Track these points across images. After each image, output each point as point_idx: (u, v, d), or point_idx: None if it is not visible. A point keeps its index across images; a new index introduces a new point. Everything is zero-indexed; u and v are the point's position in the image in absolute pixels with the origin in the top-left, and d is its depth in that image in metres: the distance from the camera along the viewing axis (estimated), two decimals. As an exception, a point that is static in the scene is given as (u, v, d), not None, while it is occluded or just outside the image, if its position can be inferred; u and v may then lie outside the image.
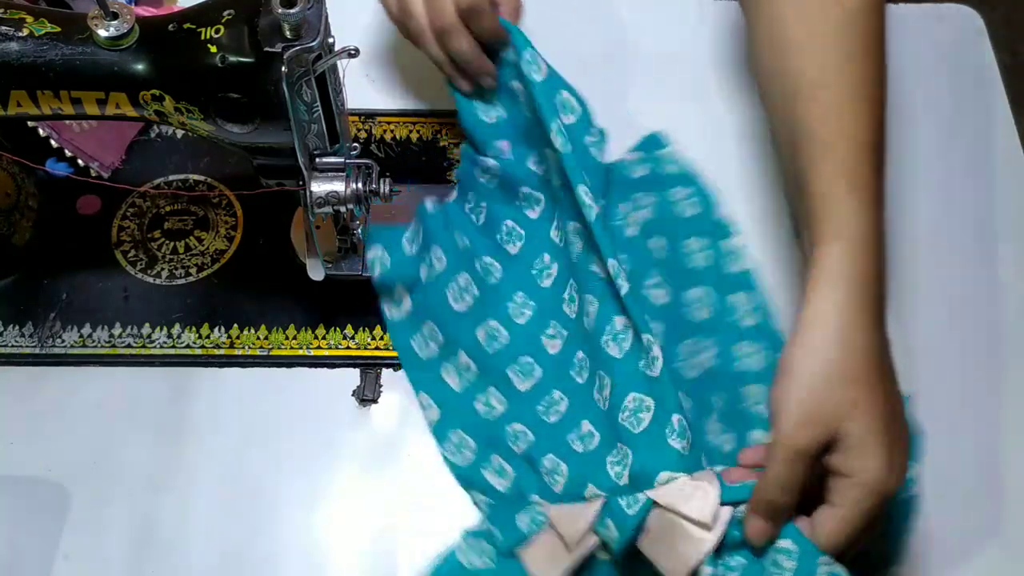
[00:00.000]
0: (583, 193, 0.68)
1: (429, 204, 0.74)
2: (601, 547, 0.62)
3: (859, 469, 0.56)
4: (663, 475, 0.60)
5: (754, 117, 0.83)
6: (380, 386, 0.72)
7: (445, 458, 0.69)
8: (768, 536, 0.58)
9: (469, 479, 0.68)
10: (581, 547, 0.61)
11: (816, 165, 0.62)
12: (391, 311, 0.73)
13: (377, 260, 0.71)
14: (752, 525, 0.58)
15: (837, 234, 0.60)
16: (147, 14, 0.67)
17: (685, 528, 0.58)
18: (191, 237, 0.77)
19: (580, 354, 0.69)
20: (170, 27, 0.60)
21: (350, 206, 0.65)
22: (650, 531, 0.59)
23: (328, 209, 0.65)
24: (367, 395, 0.72)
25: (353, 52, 0.59)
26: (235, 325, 0.74)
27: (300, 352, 0.73)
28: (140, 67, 0.60)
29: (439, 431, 0.69)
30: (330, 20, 0.59)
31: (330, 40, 0.59)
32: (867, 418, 0.56)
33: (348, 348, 0.73)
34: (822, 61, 0.64)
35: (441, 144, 0.82)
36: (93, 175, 0.78)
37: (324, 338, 0.74)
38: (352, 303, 0.74)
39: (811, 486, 0.58)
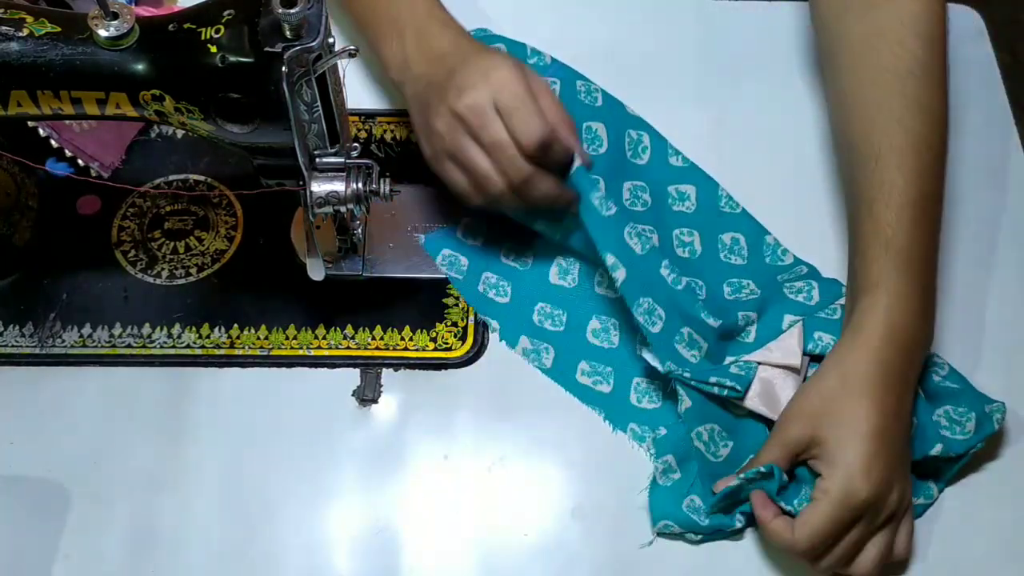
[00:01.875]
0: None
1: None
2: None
3: (827, 474, 0.63)
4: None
5: (754, 117, 0.83)
6: (380, 386, 0.72)
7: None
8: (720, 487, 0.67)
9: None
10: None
11: (858, 225, 0.69)
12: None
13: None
14: (722, 481, 0.67)
15: (866, 289, 0.66)
16: (147, 14, 0.67)
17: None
18: (191, 237, 0.77)
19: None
20: (170, 27, 0.60)
21: (350, 206, 0.65)
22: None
23: (328, 209, 0.65)
24: (367, 395, 0.72)
25: (353, 52, 0.59)
26: (235, 325, 0.74)
27: (300, 352, 0.73)
28: (140, 67, 0.60)
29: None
30: (330, 20, 0.59)
31: (330, 40, 0.59)
32: (849, 431, 0.63)
33: (348, 348, 0.73)
34: (871, 126, 0.69)
35: (441, 144, 0.82)
36: (93, 175, 0.78)
37: (324, 338, 0.74)
38: (352, 303, 0.74)
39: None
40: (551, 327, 0.74)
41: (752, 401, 0.69)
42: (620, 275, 0.69)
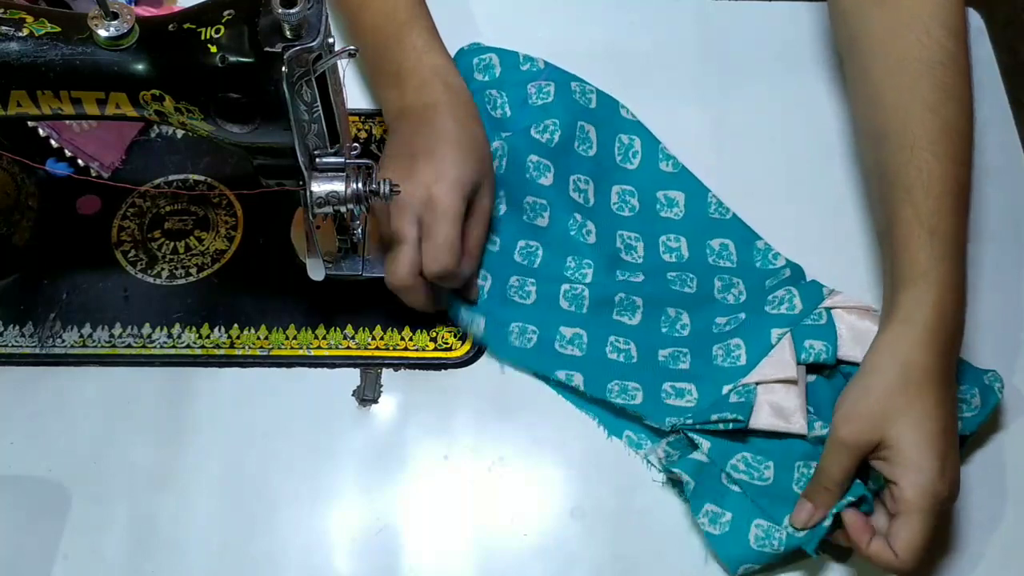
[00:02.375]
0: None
1: None
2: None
3: (907, 483, 0.61)
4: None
5: (754, 117, 0.83)
6: (380, 386, 0.72)
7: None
8: (811, 519, 0.64)
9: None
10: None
11: (897, 213, 0.67)
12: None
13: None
14: (799, 509, 0.65)
15: (912, 279, 0.65)
16: (147, 14, 0.67)
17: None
18: (191, 237, 0.77)
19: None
20: (170, 27, 0.60)
21: (350, 206, 0.65)
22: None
23: (328, 209, 0.65)
24: (367, 395, 0.72)
25: (353, 52, 0.59)
26: (235, 325, 0.74)
27: (300, 352, 0.73)
28: (140, 67, 0.60)
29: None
30: (330, 20, 0.59)
31: (330, 40, 0.59)
32: (919, 432, 0.62)
33: (348, 348, 0.73)
34: (904, 114, 0.69)
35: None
36: (93, 175, 0.78)
37: (324, 338, 0.74)
38: (352, 303, 0.74)
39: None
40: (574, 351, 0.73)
41: (761, 422, 0.68)
42: (578, 381, 0.70)
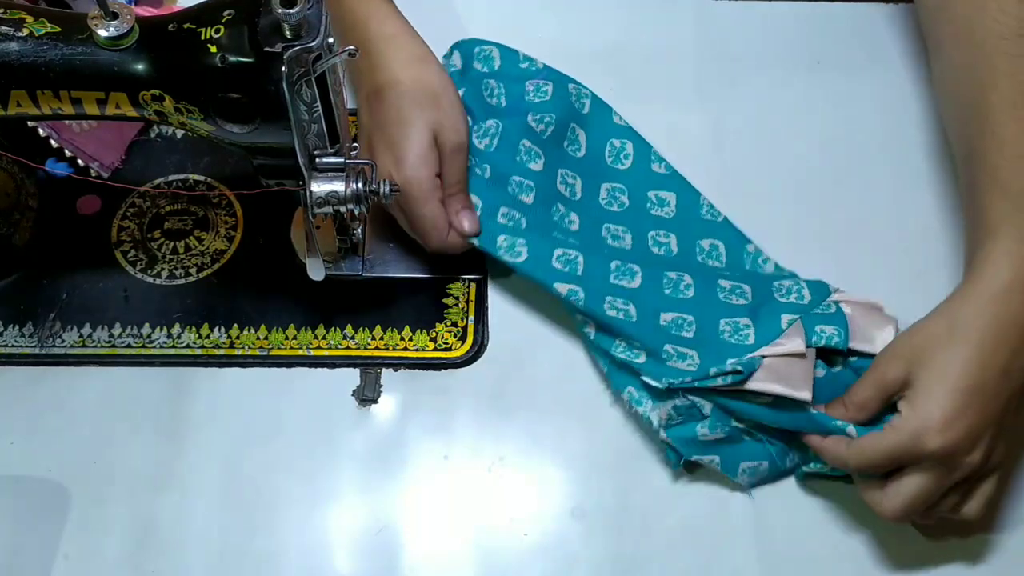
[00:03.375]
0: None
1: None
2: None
3: (905, 416, 0.61)
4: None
5: (754, 117, 0.83)
6: (380, 386, 0.72)
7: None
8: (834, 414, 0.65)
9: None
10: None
11: (974, 176, 0.67)
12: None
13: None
14: (829, 409, 0.66)
15: (989, 235, 0.64)
16: (147, 14, 0.67)
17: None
18: (191, 237, 0.77)
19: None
20: (170, 27, 0.60)
21: (350, 206, 0.65)
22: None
23: (328, 209, 0.65)
24: (367, 395, 0.72)
25: (353, 52, 0.59)
26: (235, 325, 0.74)
27: (300, 352, 0.73)
28: (140, 67, 0.60)
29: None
30: (330, 20, 0.59)
31: (330, 40, 0.59)
32: (940, 381, 0.61)
33: (348, 348, 0.73)
34: (982, 82, 0.68)
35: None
36: (93, 175, 0.78)
37: (324, 338, 0.74)
38: (352, 303, 0.75)
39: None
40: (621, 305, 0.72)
41: (759, 384, 0.66)
42: (581, 295, 0.70)
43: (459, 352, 0.73)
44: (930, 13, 0.76)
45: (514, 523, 0.68)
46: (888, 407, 0.64)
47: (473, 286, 0.76)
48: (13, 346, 0.73)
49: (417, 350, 0.73)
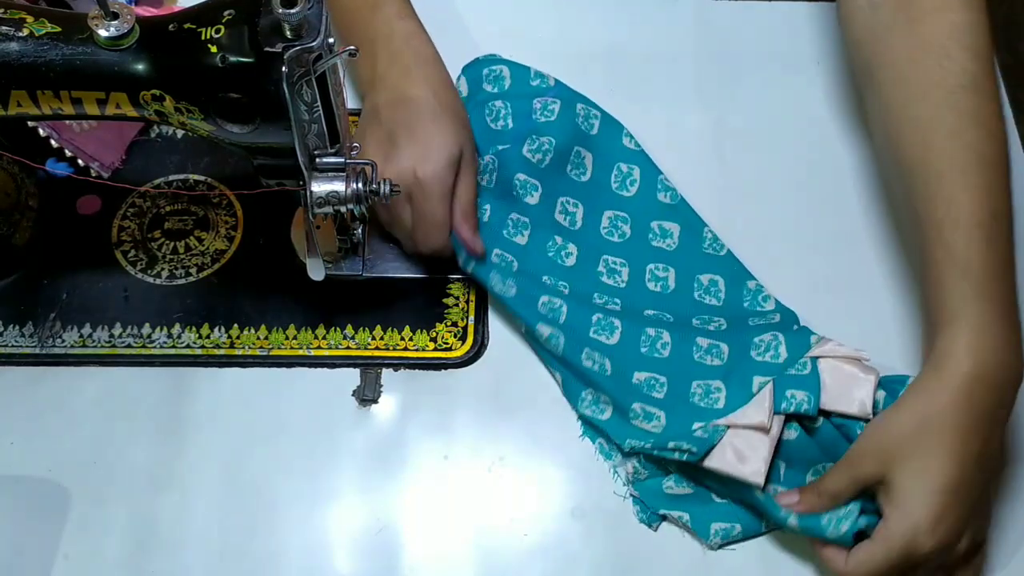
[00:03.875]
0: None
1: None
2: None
3: (892, 520, 0.60)
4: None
5: (754, 117, 0.83)
6: (380, 386, 0.72)
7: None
8: (790, 506, 0.64)
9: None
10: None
11: (928, 252, 0.64)
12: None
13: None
14: (786, 493, 0.65)
15: (948, 321, 0.62)
16: (147, 14, 0.67)
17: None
18: (191, 237, 0.77)
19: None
20: (170, 27, 0.60)
21: (350, 206, 0.65)
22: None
23: (328, 209, 0.65)
24: (367, 395, 0.72)
25: (353, 52, 0.59)
26: (235, 325, 0.74)
27: (300, 352, 0.73)
28: (140, 67, 0.60)
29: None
30: (330, 20, 0.59)
31: (330, 40, 0.59)
32: (921, 483, 0.60)
33: (348, 348, 0.73)
34: (926, 145, 0.65)
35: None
36: (93, 175, 0.78)
37: (324, 338, 0.74)
38: (352, 303, 0.75)
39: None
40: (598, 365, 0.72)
41: (715, 462, 0.65)
42: (560, 342, 0.70)
43: (459, 352, 0.74)
44: (861, 46, 0.73)
45: (514, 523, 0.68)
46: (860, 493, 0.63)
47: (473, 286, 0.75)
48: (13, 346, 0.73)
49: (417, 350, 0.73)
